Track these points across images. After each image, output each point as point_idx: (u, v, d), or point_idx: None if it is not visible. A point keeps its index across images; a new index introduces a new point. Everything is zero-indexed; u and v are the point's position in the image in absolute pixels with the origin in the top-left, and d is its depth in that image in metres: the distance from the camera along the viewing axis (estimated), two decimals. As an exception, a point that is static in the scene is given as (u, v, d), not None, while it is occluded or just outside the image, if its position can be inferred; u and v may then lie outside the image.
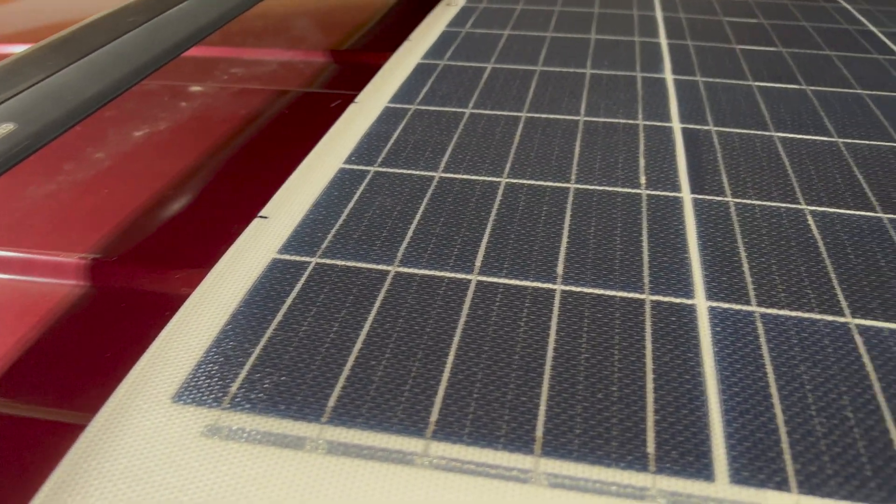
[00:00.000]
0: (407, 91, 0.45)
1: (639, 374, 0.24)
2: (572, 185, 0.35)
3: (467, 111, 0.42)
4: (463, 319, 0.26)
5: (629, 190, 0.34)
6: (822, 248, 0.30)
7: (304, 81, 0.58)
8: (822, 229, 0.31)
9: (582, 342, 0.25)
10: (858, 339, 0.25)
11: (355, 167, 0.36)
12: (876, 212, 0.33)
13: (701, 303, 0.27)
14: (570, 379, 0.23)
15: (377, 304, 0.27)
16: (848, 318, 0.26)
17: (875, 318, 0.26)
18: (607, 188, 0.34)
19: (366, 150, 0.38)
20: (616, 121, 0.41)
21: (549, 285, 0.28)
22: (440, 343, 0.25)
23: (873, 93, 0.45)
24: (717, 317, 0.26)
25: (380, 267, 0.29)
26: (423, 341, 0.25)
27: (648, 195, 0.34)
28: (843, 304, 0.27)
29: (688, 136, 0.40)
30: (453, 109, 0.43)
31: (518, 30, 0.57)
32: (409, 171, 0.36)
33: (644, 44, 0.54)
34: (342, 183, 0.35)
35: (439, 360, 0.24)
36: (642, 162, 0.37)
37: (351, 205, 0.33)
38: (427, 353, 0.24)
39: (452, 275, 0.28)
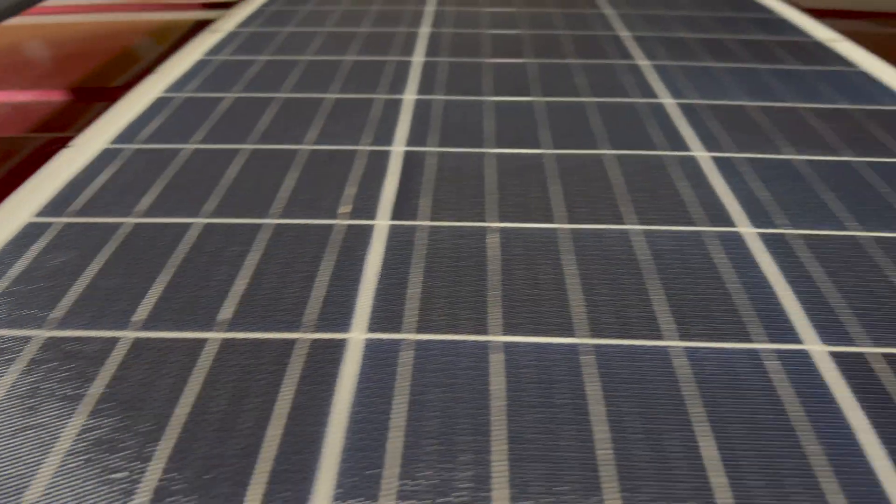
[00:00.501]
0: (134, 129, 0.43)
1: (265, 421, 0.23)
2: (271, 221, 0.34)
3: (190, 147, 0.41)
4: (105, 381, 0.25)
5: (327, 221, 0.34)
6: (499, 267, 0.31)
7: (30, 125, 0.55)
8: (505, 246, 0.32)
9: (220, 393, 0.24)
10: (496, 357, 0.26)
11: (45, 220, 0.34)
12: (553, 223, 0.34)
13: (357, 336, 0.27)
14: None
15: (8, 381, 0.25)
16: (492, 337, 0.27)
17: (522, 334, 0.27)
18: (307, 221, 0.34)
19: (63, 199, 0.36)
20: (341, 148, 0.41)
21: (209, 334, 0.27)
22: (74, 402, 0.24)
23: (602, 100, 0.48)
24: (370, 348, 0.27)
25: (24, 332, 0.27)
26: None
27: (347, 225, 0.34)
28: (495, 324, 0.28)
29: (408, 160, 0.40)
30: (176, 146, 0.41)
31: (280, 54, 0.56)
32: (101, 220, 0.34)
33: (399, 63, 0.54)
34: (25, 238, 0.33)
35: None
36: (351, 190, 0.37)
37: (25, 262, 0.31)
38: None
39: (107, 333, 0.27)
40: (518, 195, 0.36)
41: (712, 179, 0.38)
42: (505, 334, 0.27)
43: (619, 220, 0.34)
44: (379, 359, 0.26)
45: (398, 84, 0.50)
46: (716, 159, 0.40)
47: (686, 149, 0.41)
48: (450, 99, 0.48)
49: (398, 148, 0.41)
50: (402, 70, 0.53)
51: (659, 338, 0.27)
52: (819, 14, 0.78)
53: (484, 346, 0.27)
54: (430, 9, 0.69)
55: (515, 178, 0.38)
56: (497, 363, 0.26)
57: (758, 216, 0.35)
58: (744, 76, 0.52)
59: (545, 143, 0.42)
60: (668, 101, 0.48)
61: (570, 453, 0.22)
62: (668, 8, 0.70)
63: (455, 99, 0.48)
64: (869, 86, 0.50)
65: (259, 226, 0.34)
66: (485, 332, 0.27)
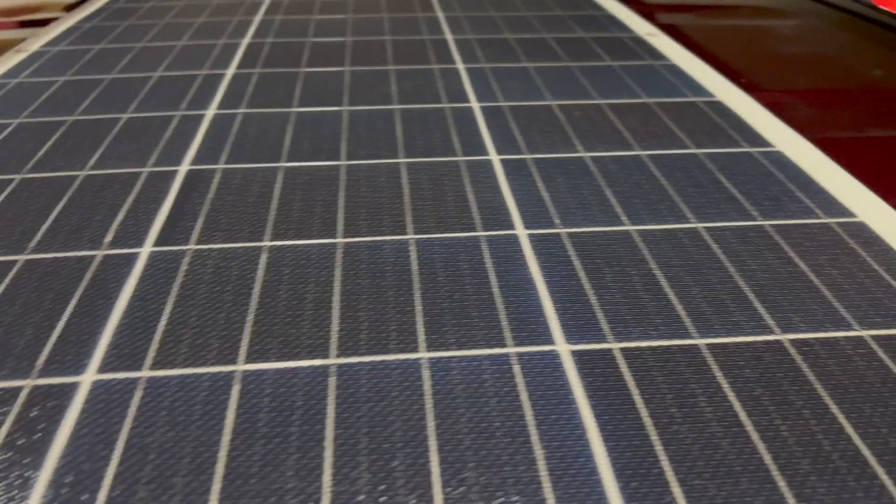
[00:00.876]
0: None
1: None
2: (22, 257, 0.32)
3: (-46, 180, 0.38)
4: None
5: (87, 253, 0.32)
6: (262, 289, 0.30)
7: None
8: (273, 266, 0.31)
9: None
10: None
11: None
12: (331, 237, 0.33)
13: (88, 378, 0.25)
14: None
15: None
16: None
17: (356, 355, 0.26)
18: (64, 254, 0.32)
19: None
20: (123, 171, 0.39)
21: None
22: None
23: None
24: (98, 391, 0.25)
25: None
26: None
27: (104, 256, 0.32)
28: (243, 352, 0.27)
29: (189, 180, 0.38)
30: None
31: (83, 74, 0.53)
32: None
33: (210, 76, 0.52)
34: None
35: None
36: (119, 217, 0.35)
37: None
38: None
39: None
40: (301, 210, 0.35)
41: (501, 182, 0.38)
42: (250, 362, 0.26)
43: (400, 231, 0.34)
44: (106, 402, 0.24)
45: (202, 99, 0.48)
46: (508, 162, 0.40)
47: (483, 153, 0.41)
48: (253, 112, 0.46)
49: (183, 167, 0.39)
50: (211, 84, 0.51)
51: (413, 350, 0.27)
52: (664, 9, 0.81)
53: (227, 378, 0.25)
54: (257, 18, 0.68)
55: (302, 193, 0.37)
56: (235, 395, 0.25)
57: (536, 217, 0.35)
58: (556, 75, 0.53)
59: (343, 154, 0.41)
60: (476, 105, 0.48)
61: (291, 484, 0.21)
62: (498, 9, 0.71)
63: (259, 112, 0.46)
64: (674, 79, 0.52)
65: (11, 262, 0.31)
66: (230, 362, 0.26)
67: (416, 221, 0.34)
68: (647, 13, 0.77)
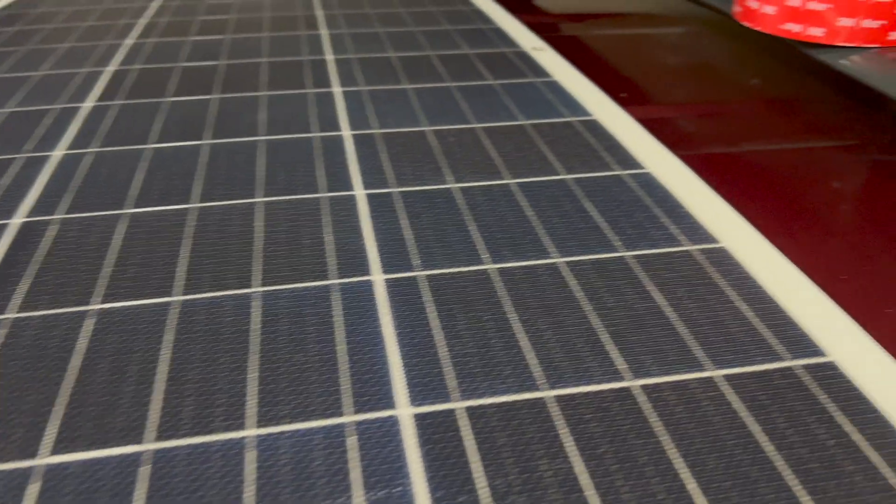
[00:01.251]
0: None
1: None
2: None
3: None
4: None
5: None
6: (80, 363, 0.27)
7: None
8: (96, 333, 0.29)
9: None
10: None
11: None
12: (167, 295, 0.31)
13: None
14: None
15: None
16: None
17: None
18: None
19: None
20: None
21: None
22: None
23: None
24: None
25: None
26: None
27: None
28: (48, 442, 0.24)
29: (21, 234, 0.35)
30: None
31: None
32: None
33: (64, 111, 0.49)
34: None
35: None
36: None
37: None
38: None
39: None
40: (140, 265, 0.33)
41: (364, 221, 0.36)
42: (55, 454, 0.23)
43: (244, 283, 0.32)
44: None
45: (51, 138, 0.45)
46: (374, 197, 0.38)
47: (349, 187, 0.39)
48: (105, 151, 0.43)
49: (16, 220, 0.36)
50: (65, 119, 0.47)
51: (239, 427, 0.25)
52: (553, 18, 0.81)
53: (23, 475, 0.23)
54: (129, 41, 0.64)
55: (144, 244, 0.34)
56: (31, 498, 0.22)
57: (395, 260, 0.33)
58: (435, 97, 0.51)
59: (195, 196, 0.38)
60: (348, 133, 0.46)
61: None
62: (384, 24, 0.70)
63: (111, 151, 0.43)
64: (553, 97, 0.52)
65: None
66: (29, 456, 0.23)
67: (266, 271, 0.32)
68: (536, 24, 0.76)
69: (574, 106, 0.50)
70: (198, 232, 0.35)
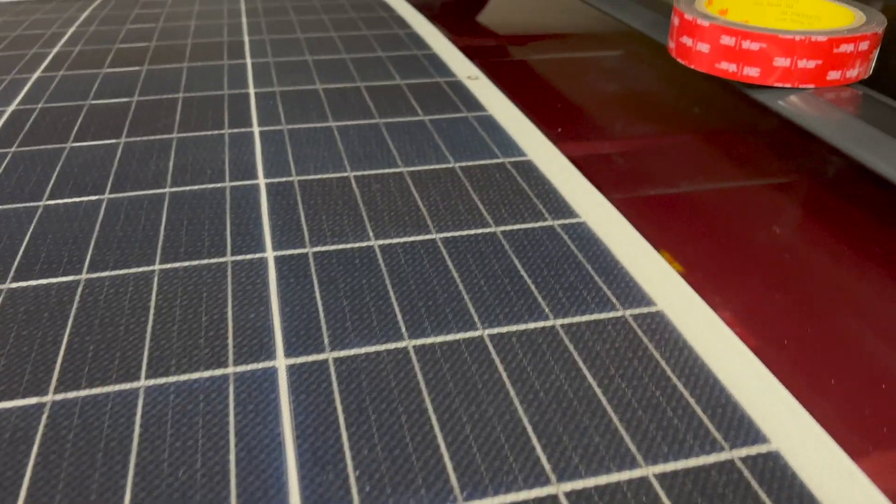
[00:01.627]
0: None
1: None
2: None
3: None
4: None
5: None
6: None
7: None
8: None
9: None
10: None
11: None
12: (40, 395, 0.27)
13: None
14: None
15: None
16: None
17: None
18: None
19: None
20: None
21: None
22: None
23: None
24: None
25: None
26: None
27: None
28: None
29: None
30: None
31: None
32: None
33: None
34: None
35: None
36: None
37: None
38: None
39: None
40: (10, 355, 0.29)
41: (272, 291, 0.33)
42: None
43: (131, 376, 0.28)
44: None
45: (-69, 195, 0.41)
46: (285, 260, 0.35)
47: (259, 249, 0.36)
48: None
49: None
50: (-50, 172, 0.43)
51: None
52: (489, 40, 0.79)
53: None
54: (34, 75, 0.60)
55: (15, 332, 0.30)
56: None
57: (304, 340, 0.30)
58: (362, 136, 0.48)
59: (84, 266, 0.34)
60: (263, 182, 0.42)
61: None
62: (315, 51, 0.66)
63: (-2, 210, 0.39)
64: (487, 135, 0.49)
65: None
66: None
67: (152, 360, 0.29)
68: (472, 48, 0.74)
69: (508, 145, 0.47)
70: (80, 313, 0.31)
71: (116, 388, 0.27)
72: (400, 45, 0.68)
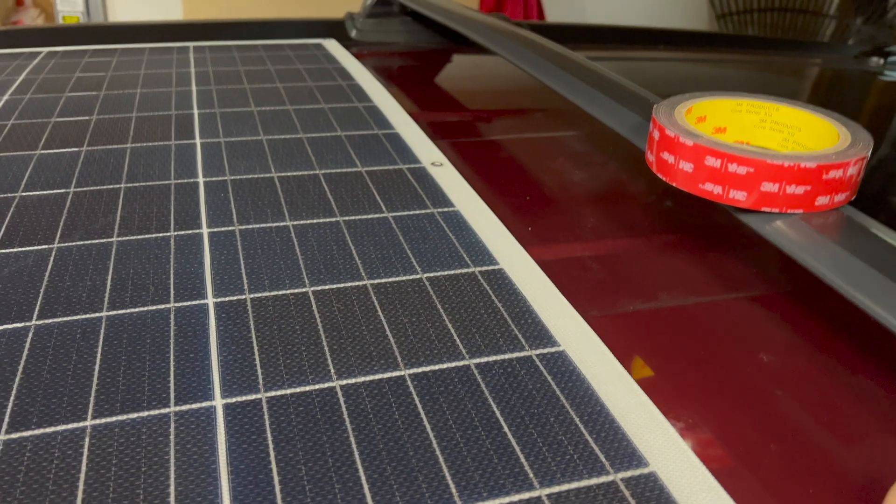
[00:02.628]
0: None
1: None
2: None
3: None
4: None
5: None
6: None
7: None
8: None
9: None
10: None
11: None
12: None
13: None
14: None
15: None
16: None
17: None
18: None
19: None
20: None
21: None
22: None
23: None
24: None
25: None
26: None
27: None
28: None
29: None
30: None
31: None
32: None
33: None
34: None
35: None
36: None
37: None
38: None
39: None
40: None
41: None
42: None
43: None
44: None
45: None
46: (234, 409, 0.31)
47: (206, 397, 0.32)
48: None
49: None
50: None
51: None
52: (450, 119, 0.77)
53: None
54: (-40, 158, 0.55)
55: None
56: None
57: None
58: (322, 240, 0.45)
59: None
60: (210, 302, 0.39)
61: None
62: (269, 129, 0.63)
63: None
64: (455, 236, 0.46)
65: None
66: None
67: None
68: (434, 126, 0.72)
69: (478, 251, 0.44)
70: (-4, 489, 0.27)
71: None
72: (361, 123, 0.65)
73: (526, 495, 0.27)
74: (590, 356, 0.35)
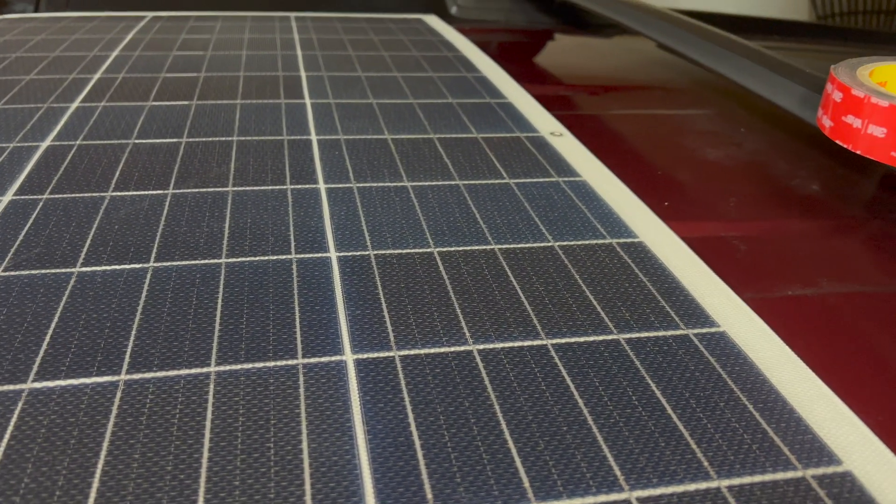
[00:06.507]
0: None
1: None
2: None
3: None
4: None
5: None
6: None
7: None
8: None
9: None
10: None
11: None
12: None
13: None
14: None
15: None
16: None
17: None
18: None
19: None
20: None
21: None
22: None
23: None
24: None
25: None
26: None
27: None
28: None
29: None
30: None
31: None
32: None
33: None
34: None
35: None
36: None
37: None
38: None
39: None
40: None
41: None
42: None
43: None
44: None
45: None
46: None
47: (336, 351, 0.30)
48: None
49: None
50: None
51: None
52: (569, 91, 0.73)
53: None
54: (72, 106, 0.54)
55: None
56: None
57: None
58: (439, 201, 0.42)
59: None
60: (333, 256, 0.36)
61: None
62: (378, 93, 0.60)
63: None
64: (585, 206, 0.42)
65: None
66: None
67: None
68: (546, 99, 0.68)
69: (612, 221, 0.41)
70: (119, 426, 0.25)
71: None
72: (472, 92, 0.62)
73: (703, 485, 0.24)
74: (756, 339, 0.31)
